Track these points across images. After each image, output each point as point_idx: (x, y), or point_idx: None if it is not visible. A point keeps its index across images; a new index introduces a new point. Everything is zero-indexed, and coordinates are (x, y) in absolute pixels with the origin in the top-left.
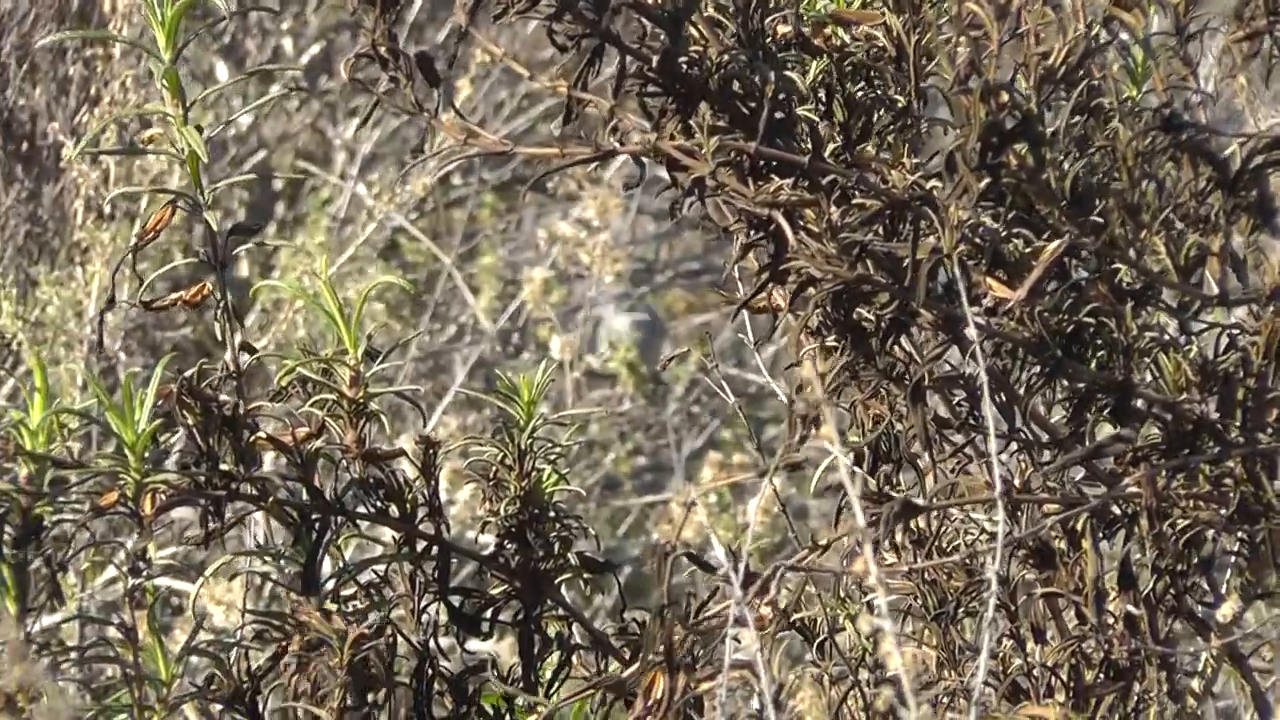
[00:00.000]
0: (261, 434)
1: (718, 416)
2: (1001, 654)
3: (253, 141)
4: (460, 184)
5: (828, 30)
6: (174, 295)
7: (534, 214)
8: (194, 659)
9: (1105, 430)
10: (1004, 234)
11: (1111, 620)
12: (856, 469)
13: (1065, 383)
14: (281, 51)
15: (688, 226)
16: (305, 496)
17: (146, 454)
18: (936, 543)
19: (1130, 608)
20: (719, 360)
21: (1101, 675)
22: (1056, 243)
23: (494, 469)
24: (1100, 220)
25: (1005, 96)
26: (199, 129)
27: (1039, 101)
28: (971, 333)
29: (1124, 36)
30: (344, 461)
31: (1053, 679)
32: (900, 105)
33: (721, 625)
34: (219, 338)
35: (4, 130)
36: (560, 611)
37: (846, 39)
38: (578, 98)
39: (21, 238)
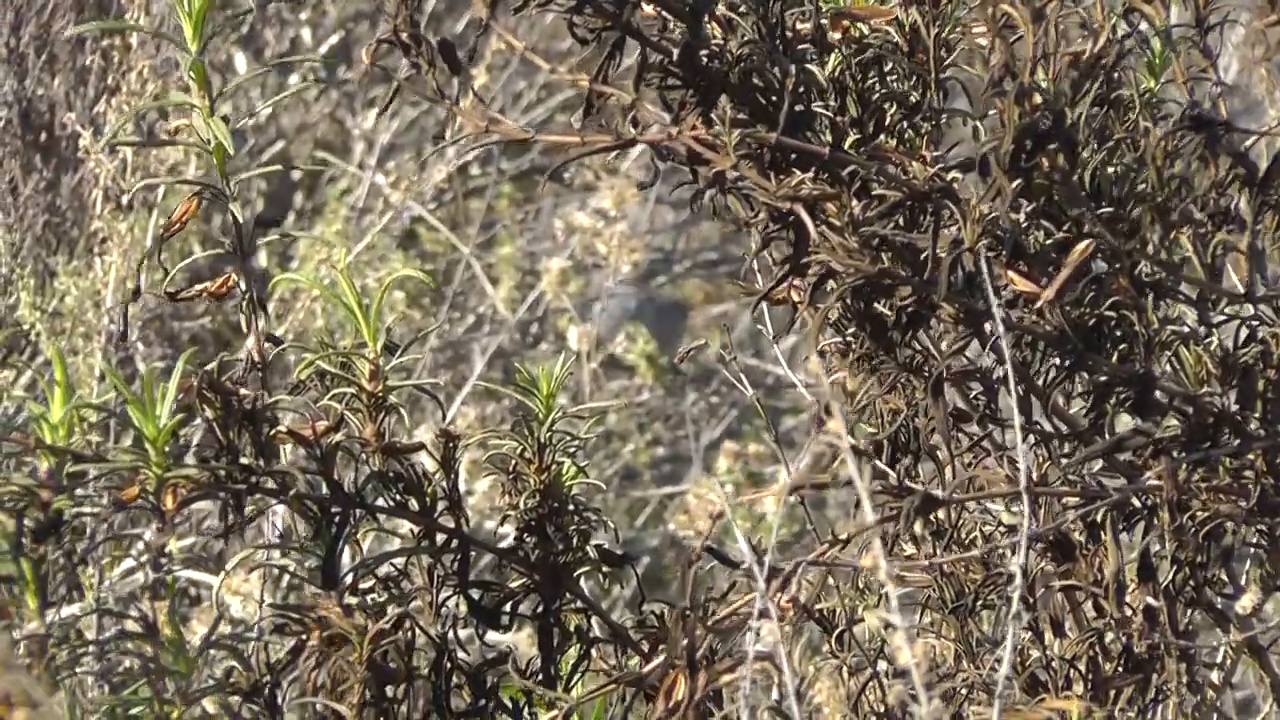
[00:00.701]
0: (281, 428)
1: (736, 407)
2: (1020, 646)
3: (271, 132)
4: (478, 174)
5: (846, 22)
6: (199, 286)
7: (552, 204)
8: (213, 651)
9: (1124, 422)
10: (1025, 226)
11: (1131, 612)
12: (870, 462)
13: (1085, 376)
14: (300, 42)
15: (706, 216)
16: (325, 490)
17: (167, 448)
18: (955, 535)
19: (1150, 600)
20: (736, 351)
21: (1120, 667)
22: (1086, 242)
23: (513, 462)
24: (1128, 218)
25: (1039, 99)
26: (225, 120)
27: (1071, 102)
28: (996, 326)
29: (1143, 28)
30: (363, 455)
31: (1071, 671)
32: (914, 100)
33: (742, 621)
34: (244, 328)
35: (23, 120)
36: (579, 604)
37: (865, 30)
38: (598, 91)
39: (40, 228)
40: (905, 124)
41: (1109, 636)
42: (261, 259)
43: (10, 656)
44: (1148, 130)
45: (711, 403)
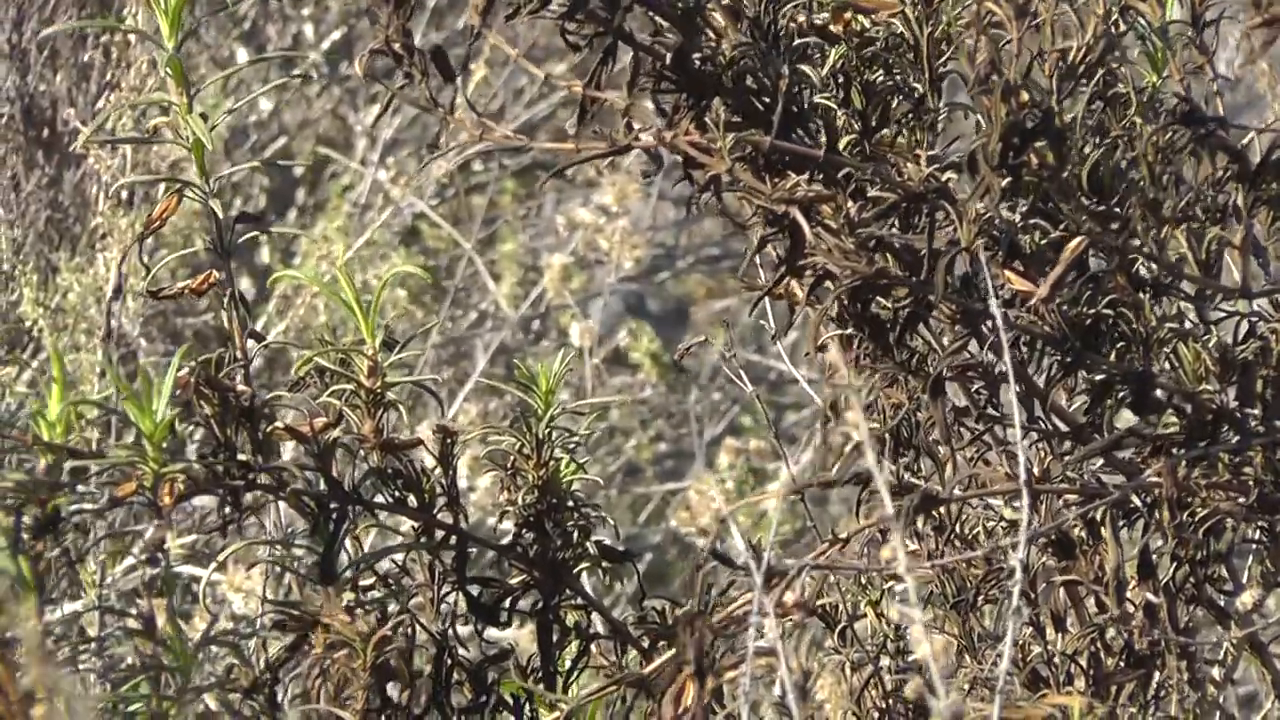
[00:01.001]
0: (279, 424)
1: (740, 403)
2: (1021, 642)
3: (274, 128)
4: (480, 169)
5: (847, 15)
6: (180, 284)
7: (554, 200)
8: (214, 648)
9: (1124, 420)
10: (1020, 225)
11: (1132, 609)
12: (883, 458)
13: (1085, 374)
14: (302, 37)
15: (708, 213)
16: (323, 486)
17: (164, 444)
18: (956, 530)
19: (1150, 596)
20: (738, 346)
21: (1122, 663)
22: (1078, 239)
23: (512, 458)
24: (1121, 214)
25: (1026, 95)
26: (204, 116)
27: (1059, 99)
28: (994, 325)
29: (1141, 23)
30: (362, 451)
31: (1072, 667)
32: (917, 94)
33: (744, 619)
34: (225, 325)
35: (25, 116)
36: (579, 601)
37: (866, 24)
38: (592, 96)
39: (42, 224)
40: (911, 116)
41: (1110, 632)
42: (264, 255)
43: (43, 650)
44: (1135, 123)
45: (714, 399)
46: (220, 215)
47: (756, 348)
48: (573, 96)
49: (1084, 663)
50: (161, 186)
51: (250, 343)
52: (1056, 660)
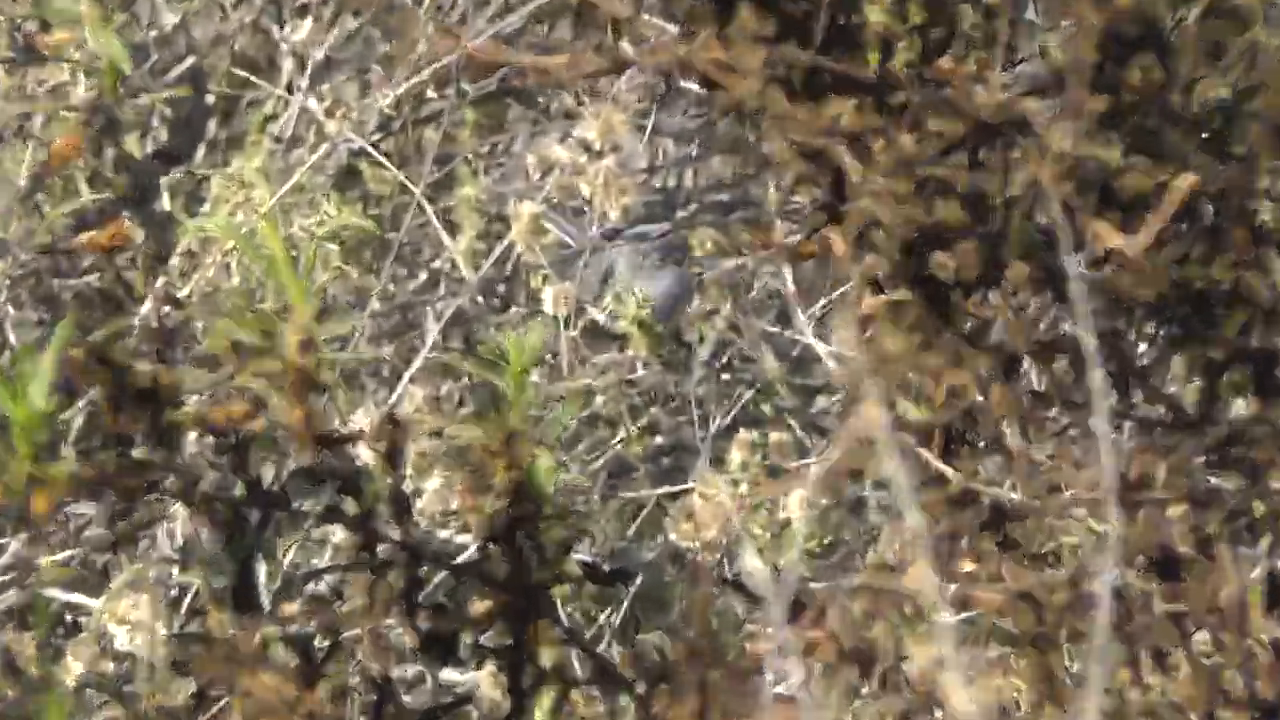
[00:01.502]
0: (186, 410)
1: (753, 385)
2: (1115, 687)
3: (180, 44)
4: (434, 95)
5: None
6: (84, 236)
7: (526, 134)
8: (92, 692)
9: (1242, 407)
10: (1116, 165)
11: (1256, 645)
12: (921, 456)
13: (1195, 350)
14: None
15: (718, 150)
16: (239, 489)
17: (40, 437)
18: (1030, 546)
19: (1279, 631)
20: (755, 315)
21: (1244, 714)
22: (1186, 177)
23: (475, 455)
24: (1240, 149)
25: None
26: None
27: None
28: (1075, 289)
29: None
30: (288, 446)
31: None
32: (989, 2)
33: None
34: (140, 288)
35: None
36: (557, 634)
37: None
38: (592, 1)
39: None
40: (979, 31)
41: (1228, 675)
42: (164, 202)
43: None
44: (1258, 40)
45: (722, 380)
46: (139, 153)
47: (776, 315)
48: (549, 8)
49: (1195, 716)
50: (39, 118)
51: (166, 309)
52: (1161, 711)
